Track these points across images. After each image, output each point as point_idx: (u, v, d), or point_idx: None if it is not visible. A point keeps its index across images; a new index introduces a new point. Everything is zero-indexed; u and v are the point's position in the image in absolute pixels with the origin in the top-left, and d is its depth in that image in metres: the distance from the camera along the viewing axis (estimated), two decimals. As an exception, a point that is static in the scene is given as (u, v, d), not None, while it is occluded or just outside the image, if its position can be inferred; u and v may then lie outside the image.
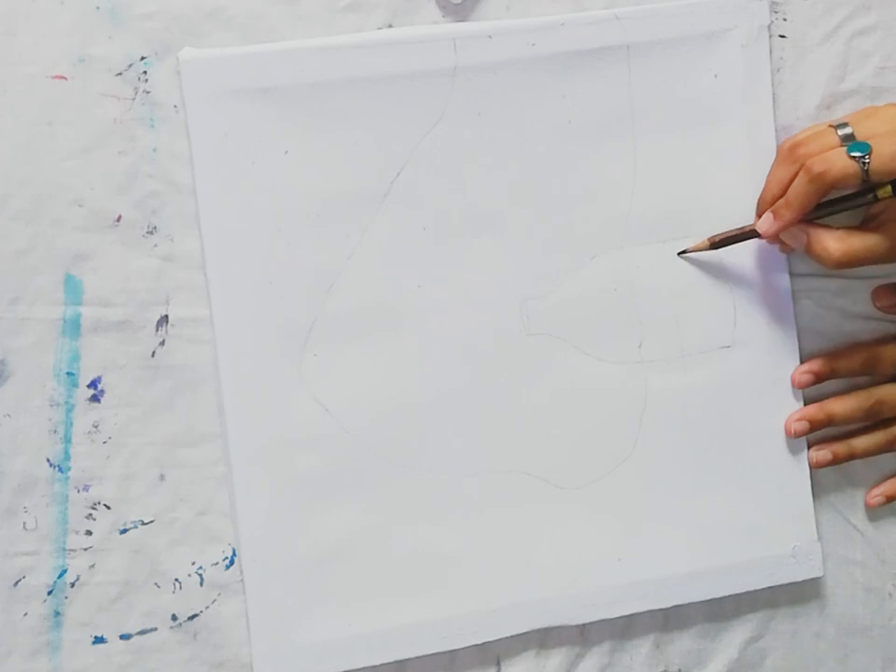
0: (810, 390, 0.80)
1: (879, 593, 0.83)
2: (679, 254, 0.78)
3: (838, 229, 0.74)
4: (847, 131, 0.73)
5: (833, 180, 0.72)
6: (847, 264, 0.74)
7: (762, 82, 0.78)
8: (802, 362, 0.80)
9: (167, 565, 0.74)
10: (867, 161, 0.71)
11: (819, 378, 0.79)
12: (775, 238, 0.76)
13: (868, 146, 0.71)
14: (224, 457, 0.74)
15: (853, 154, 0.71)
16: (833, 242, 0.73)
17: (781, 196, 0.75)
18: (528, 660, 0.79)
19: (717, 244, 0.77)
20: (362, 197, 0.75)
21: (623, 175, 0.77)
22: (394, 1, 0.75)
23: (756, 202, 0.77)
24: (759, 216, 0.76)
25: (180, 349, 0.74)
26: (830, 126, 0.74)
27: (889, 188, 0.72)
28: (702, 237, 0.78)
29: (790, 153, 0.75)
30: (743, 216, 0.78)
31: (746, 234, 0.77)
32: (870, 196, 0.73)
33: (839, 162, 0.71)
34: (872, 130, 0.73)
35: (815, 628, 0.82)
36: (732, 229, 0.77)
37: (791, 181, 0.74)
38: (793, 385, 0.79)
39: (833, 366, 0.80)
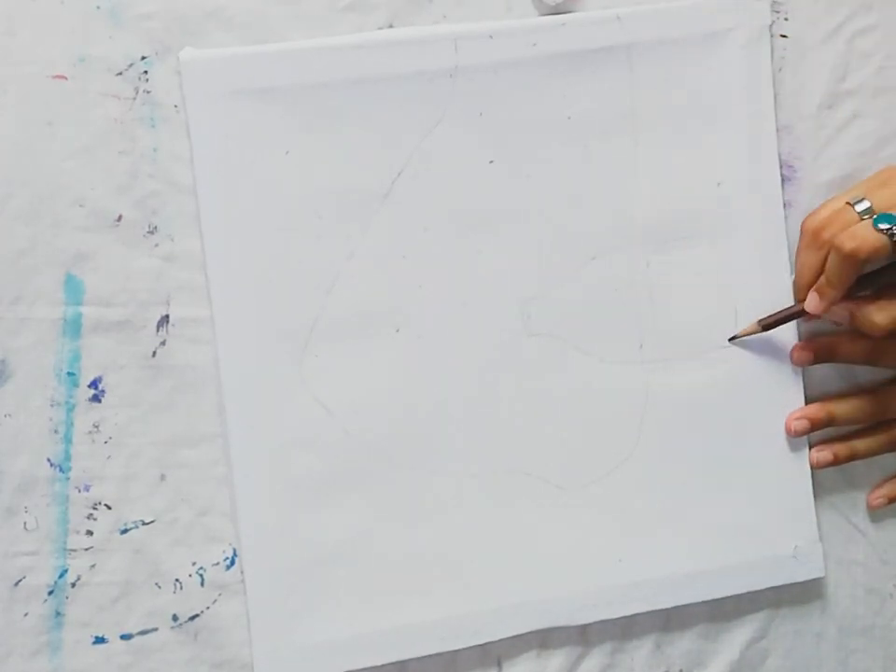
0: (812, 390, 0.80)
1: (880, 593, 0.83)
2: (730, 340, 0.78)
3: (878, 299, 0.76)
4: (866, 205, 0.74)
5: (865, 256, 0.73)
6: (894, 331, 0.75)
7: (763, 82, 0.78)
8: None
9: (168, 565, 0.74)
10: (895, 232, 0.72)
11: (818, 357, 0.79)
12: (821, 315, 0.77)
13: (893, 217, 0.72)
14: (225, 458, 0.74)
15: (880, 227, 0.72)
16: (877, 314, 0.75)
17: (814, 280, 0.76)
18: (529, 660, 0.78)
19: (768, 326, 0.78)
20: (363, 197, 0.75)
21: (624, 175, 0.77)
22: (394, 1, 0.75)
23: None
24: (797, 298, 0.78)
25: (181, 349, 0.74)
26: (847, 204, 0.75)
27: None
28: (704, 237, 0.78)
29: (814, 238, 0.76)
30: (743, 216, 0.78)
31: (794, 314, 0.78)
32: None
33: (869, 238, 0.72)
34: (890, 200, 0.74)
35: (816, 629, 0.82)
36: (781, 310, 0.78)
37: (821, 264, 0.75)
38: (792, 363, 0.79)
39: (835, 347, 0.79)
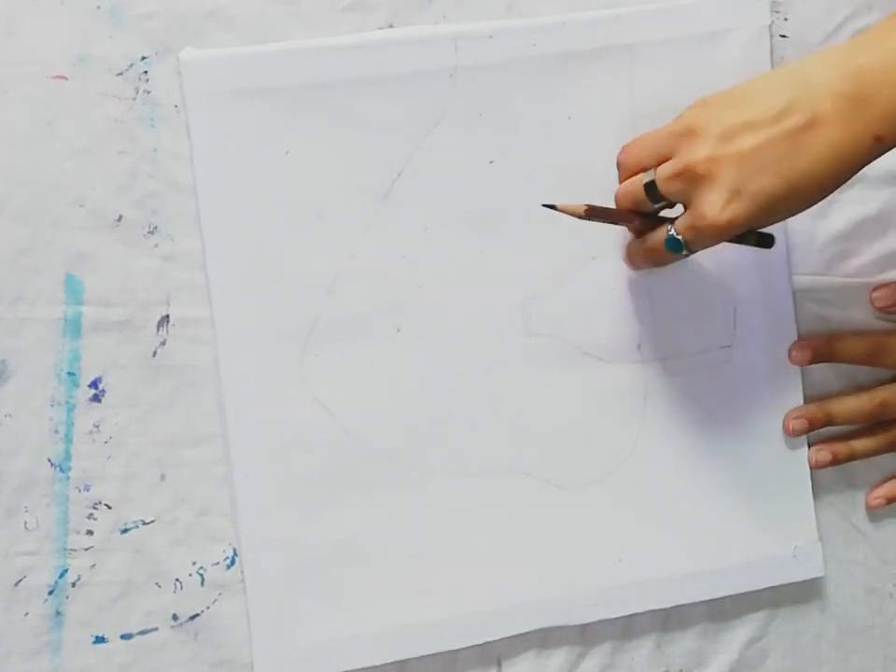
0: (812, 390, 0.80)
1: (880, 593, 0.83)
2: (543, 205, 0.73)
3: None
4: (650, 178, 0.69)
5: (662, 261, 0.73)
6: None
7: (763, 82, 0.78)
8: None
9: (168, 564, 0.74)
10: (685, 251, 0.69)
11: (816, 356, 0.79)
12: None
13: (681, 241, 0.69)
14: (225, 457, 0.74)
15: (672, 249, 0.70)
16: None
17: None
18: (529, 660, 0.78)
19: (589, 215, 0.73)
20: (363, 197, 0.75)
21: (624, 175, 0.77)
22: (394, 1, 0.75)
23: None
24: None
25: (181, 349, 0.74)
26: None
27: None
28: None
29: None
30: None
31: (616, 218, 0.74)
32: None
33: (663, 254, 0.71)
34: (676, 190, 0.68)
35: (816, 628, 0.82)
36: (606, 208, 0.73)
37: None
38: (790, 362, 0.79)
39: (834, 346, 0.79)
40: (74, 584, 0.73)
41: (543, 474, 0.77)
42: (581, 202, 0.72)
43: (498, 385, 0.76)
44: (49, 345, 0.72)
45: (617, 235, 0.77)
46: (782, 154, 0.65)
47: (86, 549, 0.73)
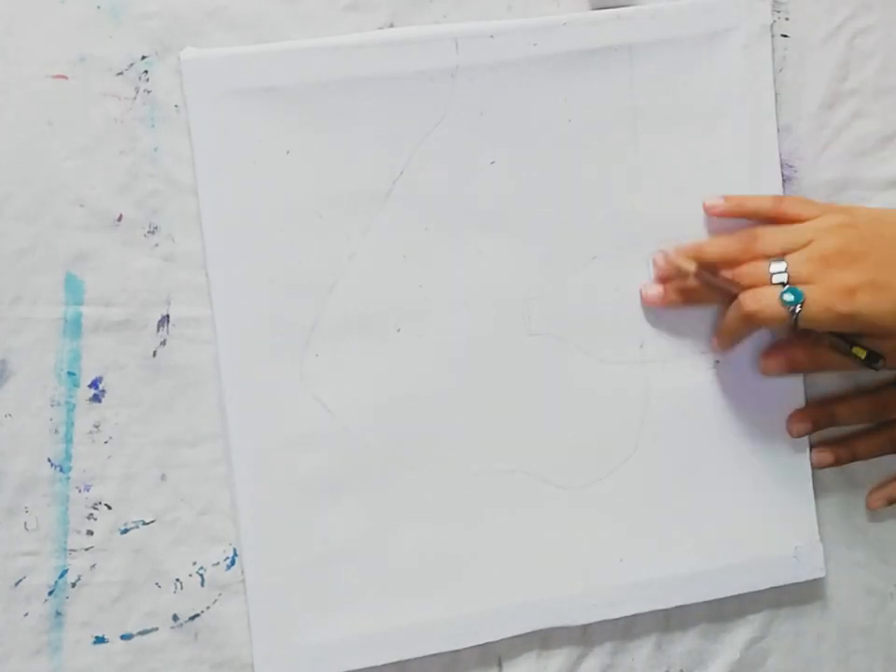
0: (813, 390, 0.80)
1: (881, 594, 0.83)
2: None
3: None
4: (782, 273, 0.73)
5: (761, 322, 0.73)
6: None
7: (763, 82, 0.78)
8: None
9: (168, 565, 0.74)
10: (798, 311, 0.71)
11: (816, 425, 0.79)
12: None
13: (801, 294, 0.71)
14: (225, 457, 0.74)
15: (785, 299, 0.71)
16: (765, 361, 0.78)
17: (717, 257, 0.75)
18: (530, 660, 0.78)
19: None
20: (364, 197, 0.75)
21: (625, 175, 0.77)
22: (395, 1, 0.75)
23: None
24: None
25: (181, 349, 0.74)
26: (766, 259, 0.73)
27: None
28: (705, 237, 0.78)
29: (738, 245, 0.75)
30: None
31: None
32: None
33: (770, 307, 0.72)
34: (808, 273, 0.72)
35: (816, 629, 0.82)
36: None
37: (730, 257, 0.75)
38: (790, 434, 0.80)
39: (834, 411, 0.80)
40: (74, 584, 0.73)
41: (544, 474, 0.77)
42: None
43: (498, 385, 0.76)
44: (49, 345, 0.72)
45: (617, 235, 0.77)
46: None
47: (86, 549, 0.73)
